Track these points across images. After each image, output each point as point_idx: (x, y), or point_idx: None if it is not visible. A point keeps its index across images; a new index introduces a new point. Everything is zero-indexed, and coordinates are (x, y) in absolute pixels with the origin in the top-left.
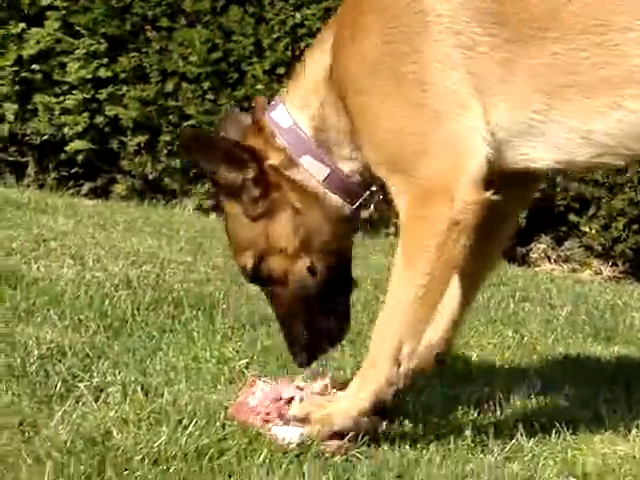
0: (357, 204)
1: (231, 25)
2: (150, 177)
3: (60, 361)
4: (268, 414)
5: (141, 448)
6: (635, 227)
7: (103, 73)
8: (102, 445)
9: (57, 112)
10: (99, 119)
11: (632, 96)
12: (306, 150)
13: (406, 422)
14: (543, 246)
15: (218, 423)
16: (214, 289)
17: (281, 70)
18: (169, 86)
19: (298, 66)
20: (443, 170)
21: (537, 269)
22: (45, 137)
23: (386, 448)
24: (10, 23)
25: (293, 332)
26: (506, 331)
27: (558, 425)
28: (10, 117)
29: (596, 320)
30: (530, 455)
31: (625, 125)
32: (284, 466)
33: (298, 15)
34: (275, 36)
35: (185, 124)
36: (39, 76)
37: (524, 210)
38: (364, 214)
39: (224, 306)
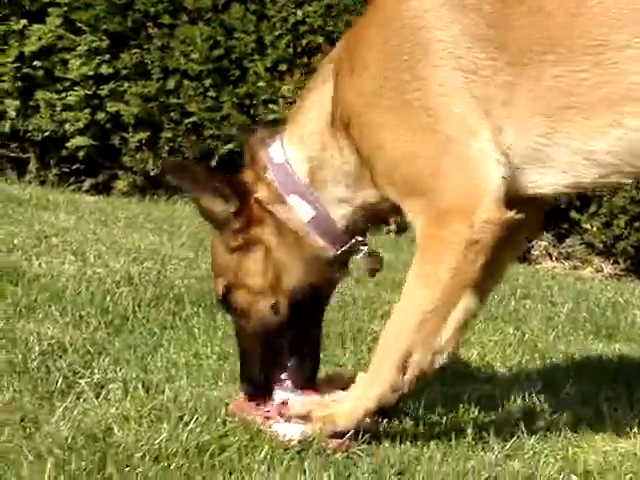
0: (341, 250)
1: (233, 22)
2: (151, 173)
3: (61, 357)
4: (269, 411)
5: (142, 445)
6: (636, 224)
7: (105, 70)
8: (103, 441)
9: (59, 108)
10: (100, 115)
11: (631, 113)
12: (294, 189)
13: (407, 419)
14: (544, 243)
15: (219, 420)
16: None
17: (283, 67)
18: (170, 83)
19: (298, 101)
20: (460, 191)
21: (538, 266)
22: (47, 133)
23: (387, 445)
24: (11, 19)
25: (246, 364)
26: (507, 328)
27: (559, 423)
28: (12, 113)
29: (597, 317)
30: (531, 453)
31: (626, 143)
32: (285, 463)
33: (300, 12)
34: (277, 33)
35: (187, 121)
36: (41, 72)
37: (536, 231)
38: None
39: None
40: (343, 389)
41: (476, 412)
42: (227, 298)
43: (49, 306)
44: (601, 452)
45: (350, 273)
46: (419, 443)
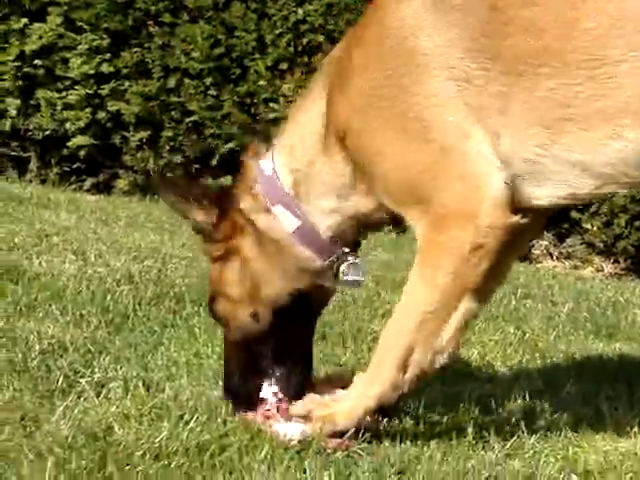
0: (328, 260)
1: (233, 21)
2: (152, 172)
3: (62, 356)
4: (269, 410)
5: (142, 443)
6: (637, 224)
7: (105, 68)
8: (103, 440)
9: (59, 107)
10: (101, 114)
11: (629, 126)
12: (279, 200)
13: (407, 419)
14: (545, 243)
15: (219, 419)
16: None
17: (284, 66)
18: (171, 82)
19: (290, 113)
20: (458, 197)
21: (539, 266)
22: (47, 132)
23: (387, 444)
24: (12, 18)
25: (228, 372)
26: (507, 328)
27: (559, 422)
28: (12, 112)
29: (598, 317)
30: (531, 452)
31: (625, 154)
32: (285, 462)
33: (300, 11)
34: (278, 32)
35: (187, 120)
36: (41, 71)
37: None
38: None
39: None
40: (343, 389)
41: (476, 411)
42: (212, 307)
43: (49, 305)
44: (601, 452)
45: None
46: (419, 442)
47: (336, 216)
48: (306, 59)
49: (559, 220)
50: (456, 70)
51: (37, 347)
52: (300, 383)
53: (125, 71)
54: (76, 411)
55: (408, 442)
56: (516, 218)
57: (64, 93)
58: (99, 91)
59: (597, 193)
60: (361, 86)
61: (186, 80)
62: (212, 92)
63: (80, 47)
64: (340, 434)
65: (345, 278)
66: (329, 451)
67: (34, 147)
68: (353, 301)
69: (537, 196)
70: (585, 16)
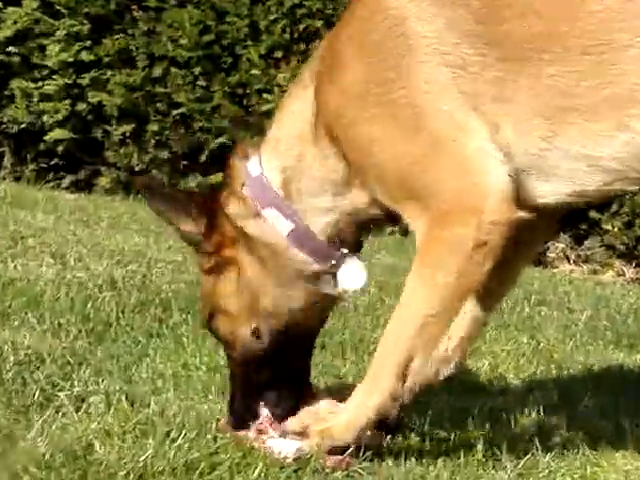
0: (328, 264)
1: (224, 5)
2: (136, 169)
3: (38, 368)
4: (262, 424)
5: (126, 462)
6: None
7: (86, 57)
8: (84, 459)
9: (36, 98)
10: (81, 106)
11: (637, 116)
12: (269, 202)
13: (412, 435)
14: (561, 245)
15: (209, 435)
16: None
17: (278, 54)
18: (157, 71)
19: (277, 108)
20: (458, 191)
21: (555, 270)
22: (23, 125)
23: (390, 463)
24: None
25: (236, 395)
26: (521, 337)
27: (577, 439)
28: None
29: (618, 325)
30: (546, 471)
31: (633, 147)
32: None
33: None
34: (272, 17)
35: (174, 112)
36: (16, 59)
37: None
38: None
39: None
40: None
41: (487, 427)
42: (210, 323)
43: (25, 313)
44: (622, 471)
45: None
46: (425, 461)
47: (332, 215)
48: (303, 46)
49: (577, 221)
50: (450, 56)
51: (12, 358)
52: (296, 398)
53: (107, 59)
54: (54, 427)
55: (413, 460)
56: (522, 213)
57: (41, 83)
58: (79, 81)
59: (607, 190)
60: (351, 75)
61: (173, 69)
62: (201, 82)
63: (58, 33)
64: (340, 451)
65: (344, 283)
66: (328, 470)
67: (8, 142)
68: (354, 308)
69: (542, 193)
70: None
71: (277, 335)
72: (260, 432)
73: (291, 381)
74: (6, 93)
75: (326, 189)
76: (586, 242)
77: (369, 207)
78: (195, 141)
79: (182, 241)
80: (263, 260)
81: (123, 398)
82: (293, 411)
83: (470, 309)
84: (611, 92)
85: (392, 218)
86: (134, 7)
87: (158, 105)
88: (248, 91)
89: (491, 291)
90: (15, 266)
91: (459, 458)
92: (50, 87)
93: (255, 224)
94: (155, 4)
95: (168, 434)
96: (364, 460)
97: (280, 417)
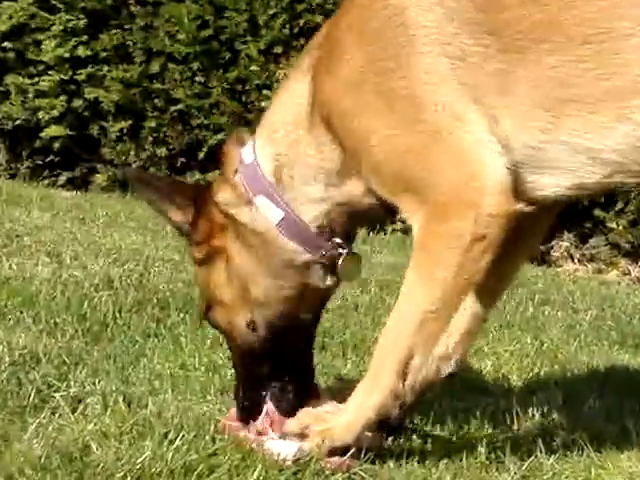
0: (319, 254)
1: (223, 0)
2: (134, 166)
3: (34, 369)
4: (262, 425)
5: (123, 464)
6: None
7: (82, 52)
8: (80, 461)
9: (31, 95)
10: (77, 103)
11: (638, 107)
12: (261, 189)
13: (414, 437)
14: (565, 244)
15: (207, 437)
16: None
17: (278, 50)
18: (154, 67)
19: (274, 95)
20: (456, 184)
21: (559, 269)
22: (18, 122)
23: (392, 465)
24: None
25: (239, 384)
26: (524, 337)
27: (581, 441)
28: None
29: (623, 326)
30: (550, 474)
31: (634, 139)
32: None
33: None
34: (271, 12)
35: (172, 109)
36: (11, 55)
37: (550, 224)
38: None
39: None
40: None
41: (490, 429)
42: (208, 316)
43: (21, 312)
44: (627, 473)
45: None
46: (427, 463)
47: (324, 204)
48: (303, 42)
49: (581, 219)
50: (450, 46)
51: (7, 359)
52: (300, 393)
53: (104, 55)
54: (50, 429)
55: (414, 463)
56: (520, 205)
57: (36, 79)
58: (75, 77)
59: (606, 183)
60: (350, 63)
61: (171, 65)
62: (199, 78)
63: (54, 28)
64: (340, 452)
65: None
66: (328, 472)
67: (3, 138)
68: (355, 308)
69: (541, 186)
70: None
71: (272, 326)
72: (260, 433)
73: (294, 375)
74: (1, 89)
75: (319, 178)
76: (591, 241)
77: (364, 197)
78: (193, 138)
79: (175, 230)
80: (253, 249)
81: (120, 399)
82: (298, 407)
83: (470, 306)
84: (612, 83)
85: (388, 210)
86: (131, 2)
87: (155, 101)
88: (247, 87)
89: (490, 287)
90: (10, 265)
91: (461, 460)
92: (46, 83)
93: (246, 212)
94: None
95: (166, 435)
96: (365, 462)
97: (285, 411)
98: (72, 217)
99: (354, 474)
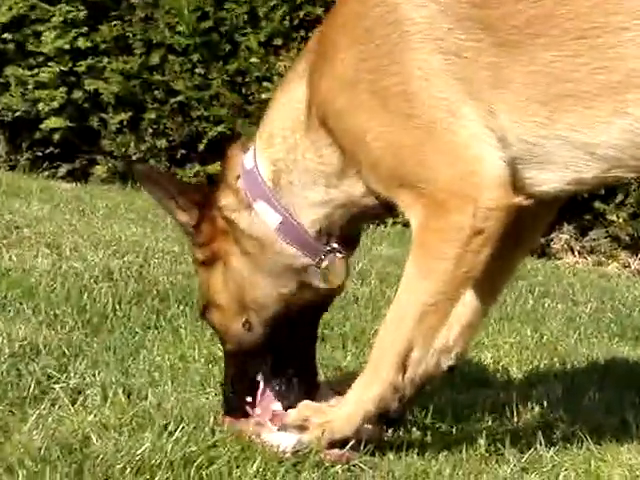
0: (317, 257)
1: None
2: (134, 158)
3: (34, 360)
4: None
5: (122, 456)
6: None
7: (82, 43)
8: (80, 452)
9: (31, 86)
10: (77, 94)
11: (634, 101)
12: (261, 195)
13: (414, 429)
14: (565, 236)
15: (207, 428)
16: None
17: (278, 41)
18: (154, 58)
19: (271, 100)
20: (453, 179)
21: (559, 262)
22: (18, 113)
23: (392, 458)
24: None
25: (231, 386)
26: (524, 330)
27: (581, 433)
28: None
29: (623, 318)
30: (550, 466)
31: (631, 134)
32: (279, 476)
33: None
34: (272, 4)
35: (172, 100)
36: (11, 46)
37: (551, 219)
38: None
39: None
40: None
41: (490, 421)
42: (205, 316)
43: (20, 303)
44: (627, 465)
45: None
46: (427, 455)
47: (324, 208)
48: (303, 34)
49: (581, 211)
50: (444, 42)
51: (7, 350)
52: (303, 389)
53: (103, 46)
54: (50, 420)
55: (414, 455)
56: (518, 199)
57: (36, 70)
58: (75, 68)
59: (604, 177)
60: (344, 62)
61: (171, 57)
62: (199, 70)
63: (54, 20)
64: (340, 445)
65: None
66: (328, 464)
67: (3, 130)
68: (355, 300)
69: (539, 181)
70: None
71: (269, 327)
72: (259, 425)
73: (296, 371)
74: (1, 80)
75: (319, 181)
76: (591, 233)
77: (364, 198)
78: (193, 130)
79: (179, 227)
80: (252, 253)
81: (120, 391)
82: (298, 401)
83: (470, 299)
84: (608, 77)
85: (389, 208)
86: None
87: (155, 93)
88: (247, 79)
89: (491, 281)
90: (10, 256)
91: (461, 452)
92: (46, 74)
93: (245, 217)
94: None
95: (165, 427)
96: (365, 454)
97: (286, 407)
98: (72, 209)
99: (354, 466)
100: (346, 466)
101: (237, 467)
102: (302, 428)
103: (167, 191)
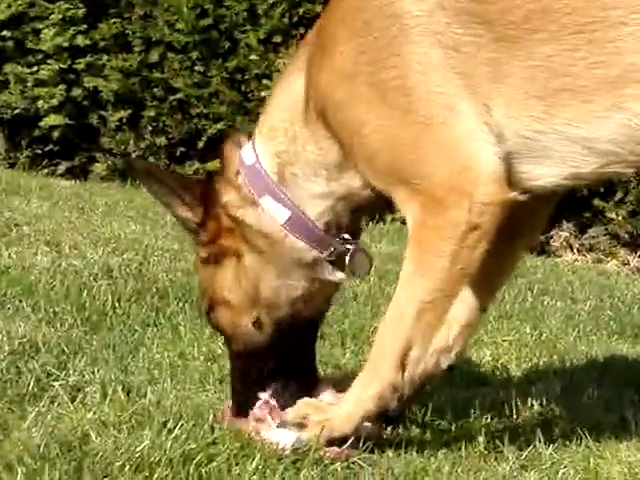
0: (326, 251)
1: None
2: (133, 156)
3: (33, 357)
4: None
5: (122, 453)
6: None
7: (81, 41)
8: (79, 450)
9: (30, 84)
10: (77, 92)
11: (632, 96)
12: (266, 189)
13: (413, 427)
14: (565, 234)
15: (206, 426)
16: None
17: (277, 39)
18: (154, 56)
19: (270, 93)
20: (449, 174)
21: (558, 259)
22: (17, 111)
23: (391, 455)
24: None
25: (239, 387)
26: (523, 327)
27: (580, 430)
28: None
29: (622, 315)
30: (549, 463)
31: (628, 129)
32: (279, 474)
33: None
34: (271, 1)
35: (172, 98)
36: (10, 44)
37: (549, 214)
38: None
39: None
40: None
41: (489, 419)
42: (210, 315)
43: (20, 301)
44: (626, 463)
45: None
46: (426, 453)
47: (328, 200)
48: (302, 31)
49: (580, 209)
50: (442, 36)
51: (6, 347)
52: (303, 386)
53: (103, 44)
54: (49, 417)
55: (414, 452)
56: (514, 194)
57: (35, 68)
58: (74, 66)
59: (602, 172)
60: (342, 55)
61: (170, 54)
62: (199, 67)
63: (53, 17)
64: (339, 442)
65: (350, 269)
66: (327, 461)
67: (2, 127)
68: (354, 297)
69: (536, 176)
70: None
71: (279, 325)
72: (259, 421)
73: (297, 370)
74: (0, 78)
75: (320, 173)
76: (590, 231)
77: (363, 190)
78: (193, 127)
79: (179, 224)
80: (261, 249)
81: (119, 388)
82: (299, 399)
83: (469, 298)
84: (605, 72)
85: (387, 201)
86: None
87: (155, 90)
88: (247, 76)
89: (490, 279)
90: (9, 254)
91: (460, 450)
92: (45, 72)
93: (252, 213)
94: None
95: (165, 424)
96: (364, 451)
97: (287, 406)
98: (71, 206)
99: (353, 463)
100: (345, 463)
101: (236, 464)
102: (301, 426)
103: (170, 187)
